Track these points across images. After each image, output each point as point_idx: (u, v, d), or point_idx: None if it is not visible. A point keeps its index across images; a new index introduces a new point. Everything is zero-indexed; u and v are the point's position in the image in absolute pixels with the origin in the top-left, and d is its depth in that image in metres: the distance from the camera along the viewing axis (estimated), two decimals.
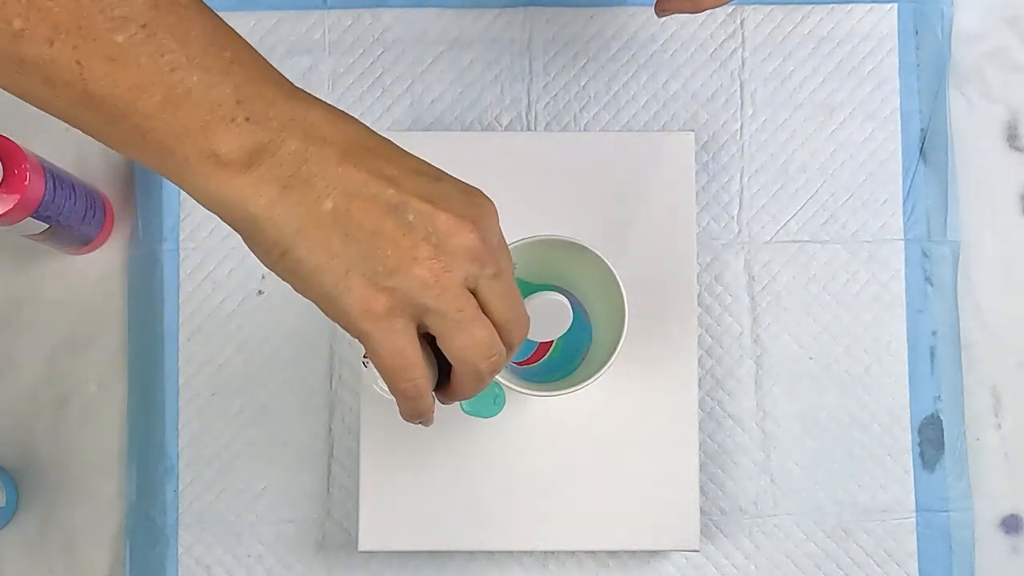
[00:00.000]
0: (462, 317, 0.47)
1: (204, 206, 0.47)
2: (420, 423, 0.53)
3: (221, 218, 0.47)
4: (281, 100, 0.46)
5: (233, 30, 0.48)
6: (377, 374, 0.52)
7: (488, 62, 0.85)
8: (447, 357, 0.50)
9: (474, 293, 0.48)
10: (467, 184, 0.50)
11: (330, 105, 0.49)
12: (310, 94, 0.49)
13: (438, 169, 0.50)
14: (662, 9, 0.68)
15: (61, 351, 0.83)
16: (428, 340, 0.50)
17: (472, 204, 0.48)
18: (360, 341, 0.48)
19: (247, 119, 0.45)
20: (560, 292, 0.73)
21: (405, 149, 0.50)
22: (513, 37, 0.85)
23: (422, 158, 0.50)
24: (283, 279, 0.47)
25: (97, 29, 0.43)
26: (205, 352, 0.82)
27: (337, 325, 0.48)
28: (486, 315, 0.49)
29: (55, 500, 0.82)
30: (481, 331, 0.48)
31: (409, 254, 0.46)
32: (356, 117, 0.50)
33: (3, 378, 0.83)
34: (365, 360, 0.56)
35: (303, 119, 0.46)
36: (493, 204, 0.50)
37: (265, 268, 0.48)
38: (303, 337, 0.82)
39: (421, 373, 0.49)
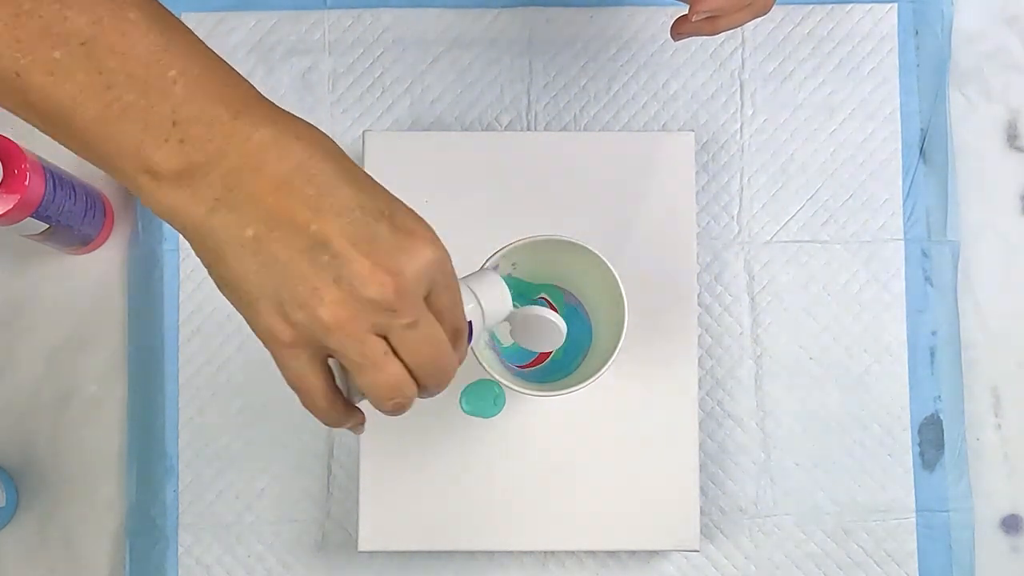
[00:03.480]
0: (364, 362, 0.47)
1: (153, 212, 0.48)
2: (350, 431, 0.54)
3: (169, 224, 0.48)
4: (224, 121, 0.46)
5: (191, 43, 0.48)
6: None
7: (488, 62, 0.85)
8: None
9: (387, 339, 0.48)
10: (409, 220, 0.48)
11: (286, 121, 0.48)
12: (264, 110, 0.47)
13: (388, 203, 0.48)
14: (678, 33, 0.68)
15: (61, 351, 0.83)
16: None
17: (400, 250, 0.47)
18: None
19: (181, 141, 0.45)
20: (560, 292, 0.73)
21: (362, 175, 0.48)
22: (513, 37, 0.85)
23: (378, 190, 0.48)
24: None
25: (35, 44, 0.45)
26: (205, 352, 0.82)
27: None
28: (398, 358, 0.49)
29: (55, 500, 0.82)
30: (385, 376, 0.48)
31: (316, 295, 0.46)
32: (318, 129, 0.49)
33: (3, 378, 0.83)
34: None
35: (243, 143, 0.46)
36: (430, 245, 0.48)
37: None
38: None
39: (320, 397, 0.50)
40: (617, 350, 0.66)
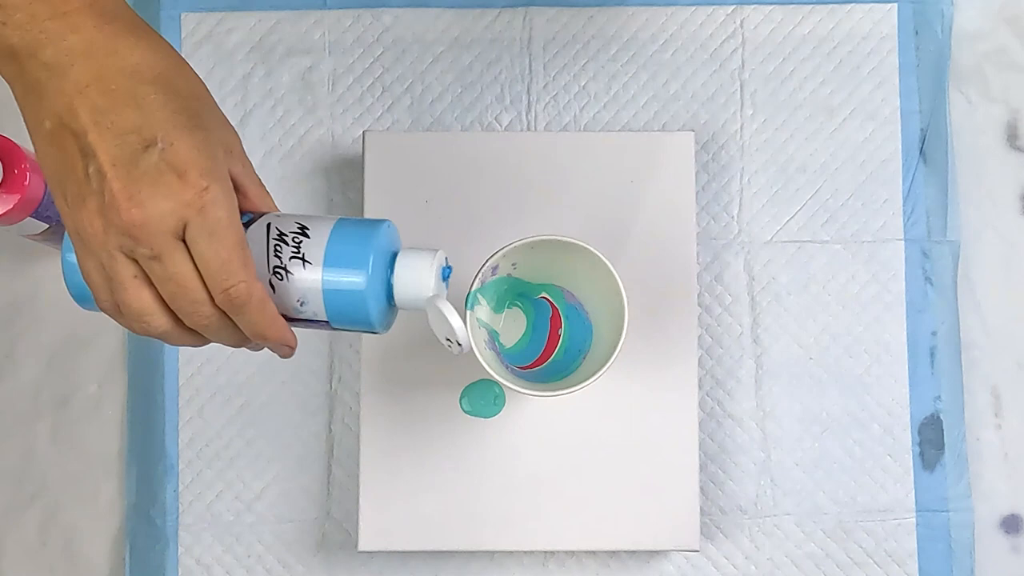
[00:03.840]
0: (113, 276, 0.50)
1: None
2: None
3: None
4: (44, 18, 0.49)
5: None
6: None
7: (488, 62, 0.85)
8: None
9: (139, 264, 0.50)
10: (185, 166, 0.49)
11: (115, 29, 0.50)
12: (99, 19, 0.50)
13: (171, 133, 0.49)
14: None
15: (61, 351, 0.83)
16: None
17: (154, 183, 0.49)
18: None
19: (3, 23, 0.48)
20: (561, 292, 0.73)
21: (165, 99, 0.50)
22: (513, 37, 0.85)
23: (177, 121, 0.50)
24: None
25: None
26: (205, 352, 0.82)
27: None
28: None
29: (55, 500, 0.82)
30: (130, 297, 0.51)
31: (81, 197, 0.49)
32: (162, 49, 0.51)
33: (3, 378, 0.83)
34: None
35: (57, 42, 0.49)
36: (196, 194, 0.49)
37: None
38: (303, 337, 0.82)
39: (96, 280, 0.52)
40: (617, 350, 0.66)
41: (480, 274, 0.66)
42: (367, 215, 0.77)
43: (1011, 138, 0.85)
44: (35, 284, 0.84)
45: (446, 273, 0.59)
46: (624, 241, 0.77)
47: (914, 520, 0.80)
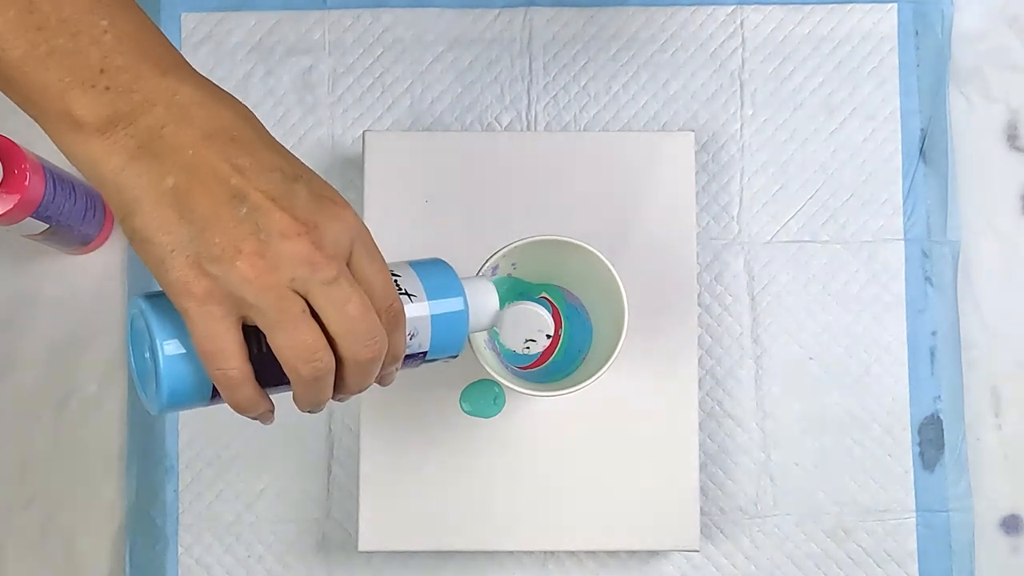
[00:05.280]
0: (282, 317, 0.47)
1: (68, 160, 0.48)
2: (256, 419, 0.52)
3: (82, 174, 0.47)
4: (152, 75, 0.47)
5: (126, 2, 0.48)
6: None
7: (488, 62, 0.85)
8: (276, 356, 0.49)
9: (307, 298, 0.47)
10: (328, 188, 0.49)
11: (209, 85, 0.48)
12: (191, 72, 0.48)
13: (306, 170, 0.49)
14: None
15: (61, 351, 0.83)
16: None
17: (319, 209, 0.47)
18: (183, 318, 0.47)
19: (107, 88, 0.46)
20: (561, 292, 0.73)
21: (280, 146, 0.49)
22: (513, 37, 0.85)
23: (296, 160, 0.49)
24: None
25: None
26: None
27: None
28: (321, 321, 0.48)
29: (55, 500, 0.82)
30: (303, 335, 0.47)
31: (235, 246, 0.45)
32: (240, 101, 0.49)
33: (3, 378, 0.83)
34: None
35: (170, 96, 0.47)
36: (349, 211, 0.49)
37: None
38: None
39: (236, 364, 0.48)
40: (617, 350, 0.66)
41: (480, 274, 0.66)
42: (367, 215, 0.77)
43: (1011, 138, 0.85)
44: (35, 284, 0.84)
45: None
46: (624, 241, 0.77)
47: (914, 520, 0.80)
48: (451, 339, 0.57)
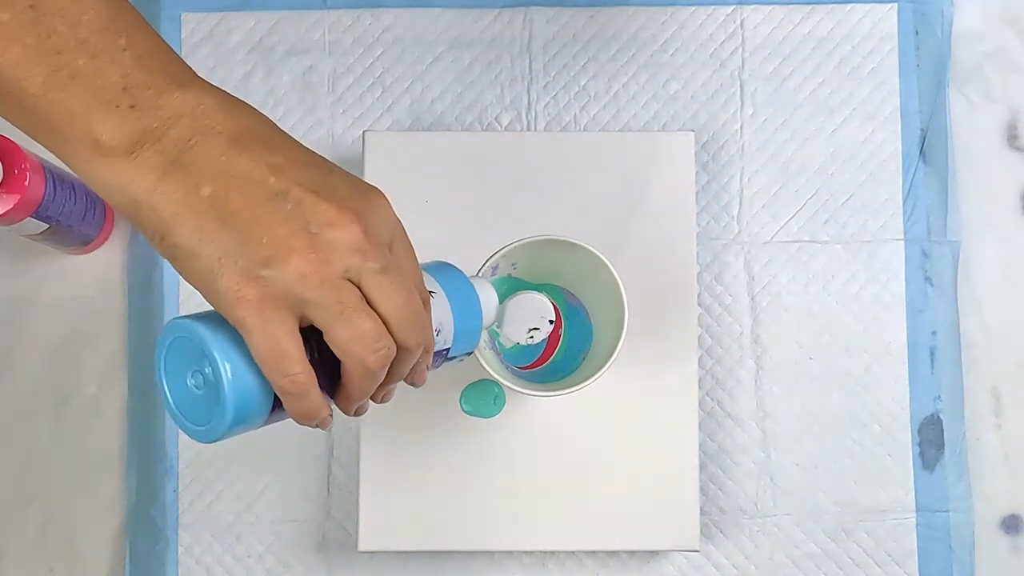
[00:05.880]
0: (343, 308, 0.46)
1: (92, 189, 0.46)
2: (316, 426, 0.50)
3: (108, 202, 0.47)
4: (173, 89, 0.46)
5: (137, 18, 0.48)
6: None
7: (488, 62, 0.85)
8: (335, 352, 0.47)
9: (359, 287, 0.46)
10: (361, 181, 0.49)
11: (227, 95, 0.48)
12: (208, 84, 0.48)
13: (332, 164, 0.49)
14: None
15: (61, 351, 0.83)
16: (318, 342, 0.47)
17: (360, 198, 0.47)
18: (238, 331, 0.46)
19: (132, 106, 0.45)
20: (561, 292, 0.73)
21: (301, 143, 0.49)
22: (513, 37, 0.85)
23: (322, 157, 0.49)
24: (171, 265, 0.47)
25: None
26: None
27: None
28: (373, 309, 0.47)
29: (55, 500, 0.82)
30: (365, 323, 0.46)
31: (285, 244, 0.44)
32: (255, 108, 0.49)
33: (3, 378, 0.83)
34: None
35: (194, 108, 0.46)
36: (386, 201, 0.49)
37: None
38: None
39: (300, 368, 0.46)
40: (617, 350, 0.66)
41: (480, 274, 0.66)
42: None
43: (1011, 138, 0.85)
44: (35, 284, 0.84)
45: None
46: (624, 241, 0.77)
47: (914, 520, 0.80)
48: (470, 335, 0.57)
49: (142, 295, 0.83)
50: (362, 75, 0.85)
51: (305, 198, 0.45)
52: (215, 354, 0.46)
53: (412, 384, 0.53)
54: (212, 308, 0.46)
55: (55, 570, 0.82)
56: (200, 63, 0.84)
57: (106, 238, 0.84)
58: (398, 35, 0.85)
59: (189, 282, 0.46)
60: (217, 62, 0.84)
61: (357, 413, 0.52)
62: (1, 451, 0.83)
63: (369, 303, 0.47)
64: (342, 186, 0.47)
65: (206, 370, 0.47)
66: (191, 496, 0.81)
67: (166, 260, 0.46)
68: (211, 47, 0.85)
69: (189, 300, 0.82)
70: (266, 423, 0.49)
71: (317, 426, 0.50)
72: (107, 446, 0.83)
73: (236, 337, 0.46)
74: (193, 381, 0.48)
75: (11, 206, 0.71)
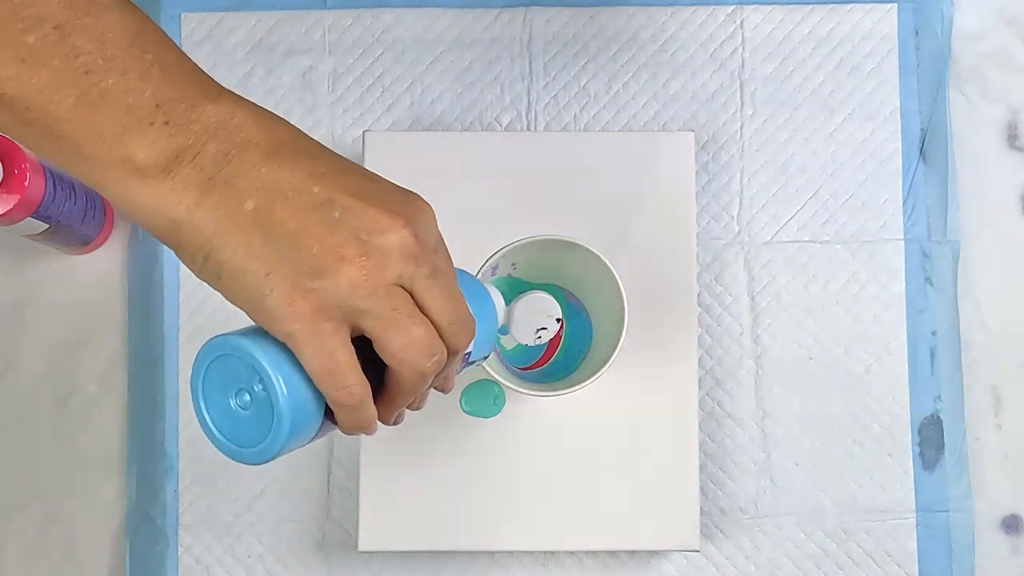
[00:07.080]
0: (398, 316, 0.45)
1: (125, 213, 0.45)
2: (363, 433, 0.49)
3: (142, 226, 0.45)
4: (204, 103, 0.44)
5: (160, 32, 0.46)
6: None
7: (488, 62, 0.85)
8: (386, 361, 0.46)
9: (410, 293, 0.46)
10: (401, 187, 0.48)
11: (259, 106, 0.46)
12: (238, 96, 0.46)
13: (368, 170, 0.48)
14: None
15: (61, 351, 0.83)
16: (361, 348, 0.46)
17: (405, 203, 0.46)
18: (288, 346, 0.44)
19: (166, 123, 0.43)
20: (561, 292, 0.73)
21: (335, 151, 0.48)
22: (513, 37, 0.85)
23: (354, 160, 0.48)
24: (212, 287, 0.45)
25: (6, 29, 0.42)
26: None
27: None
28: (424, 315, 0.46)
29: (55, 500, 0.82)
30: (419, 329, 0.45)
31: (336, 253, 0.43)
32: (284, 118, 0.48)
33: (3, 378, 0.83)
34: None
35: (227, 121, 0.44)
36: (429, 206, 0.48)
37: None
38: None
39: (356, 379, 0.45)
40: (617, 350, 0.66)
41: (480, 274, 0.66)
42: None
43: (1011, 138, 0.85)
44: (35, 284, 0.84)
45: None
46: (624, 241, 0.77)
47: (914, 520, 0.80)
48: (488, 338, 0.56)
49: (142, 295, 0.83)
50: (362, 75, 0.85)
51: (352, 204, 0.44)
52: (268, 369, 0.44)
53: (441, 390, 0.52)
54: (253, 324, 0.45)
55: (55, 570, 0.82)
56: (200, 63, 0.82)
57: (106, 238, 0.84)
58: (398, 35, 0.85)
59: (233, 301, 0.44)
60: (217, 62, 0.84)
61: (396, 422, 0.51)
62: (1, 451, 0.83)
63: (421, 308, 0.46)
64: (386, 191, 0.46)
65: (255, 387, 0.45)
66: (191, 496, 0.81)
67: (205, 281, 0.45)
68: (211, 47, 0.85)
69: (189, 300, 0.82)
70: (314, 438, 0.47)
71: (364, 433, 0.49)
72: (107, 446, 0.83)
73: (284, 351, 0.44)
74: (237, 401, 0.46)
75: (11, 206, 0.71)
